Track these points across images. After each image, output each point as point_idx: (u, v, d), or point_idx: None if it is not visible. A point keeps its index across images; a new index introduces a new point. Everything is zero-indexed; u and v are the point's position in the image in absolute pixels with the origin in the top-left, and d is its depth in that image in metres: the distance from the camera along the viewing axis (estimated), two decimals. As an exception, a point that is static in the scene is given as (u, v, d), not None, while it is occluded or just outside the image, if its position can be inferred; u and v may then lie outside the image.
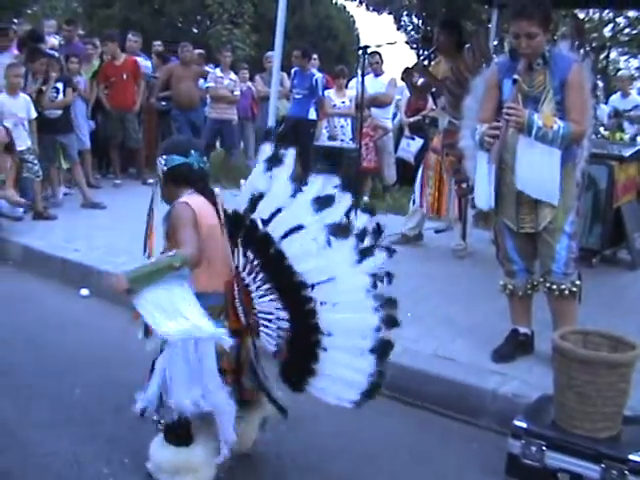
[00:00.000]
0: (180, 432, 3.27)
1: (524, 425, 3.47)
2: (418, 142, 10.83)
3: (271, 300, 3.32)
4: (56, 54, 9.55)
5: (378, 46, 9.00)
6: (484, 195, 4.45)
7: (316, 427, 3.99)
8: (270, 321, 3.33)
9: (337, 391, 3.34)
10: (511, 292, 4.65)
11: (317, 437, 3.94)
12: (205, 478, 3.32)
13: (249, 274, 3.35)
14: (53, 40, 10.98)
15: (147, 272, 3.02)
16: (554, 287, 4.41)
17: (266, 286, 3.32)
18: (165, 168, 3.33)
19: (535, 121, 4.14)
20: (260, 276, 3.32)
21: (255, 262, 3.33)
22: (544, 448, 3.40)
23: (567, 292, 4.39)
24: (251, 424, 3.57)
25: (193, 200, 3.28)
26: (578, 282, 4.43)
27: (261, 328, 3.34)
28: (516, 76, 4.20)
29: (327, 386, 3.33)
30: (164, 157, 3.34)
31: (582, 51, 4.45)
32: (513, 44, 4.31)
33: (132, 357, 3.90)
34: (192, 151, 3.36)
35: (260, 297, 3.33)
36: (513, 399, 4.10)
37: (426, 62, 7.38)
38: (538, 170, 4.24)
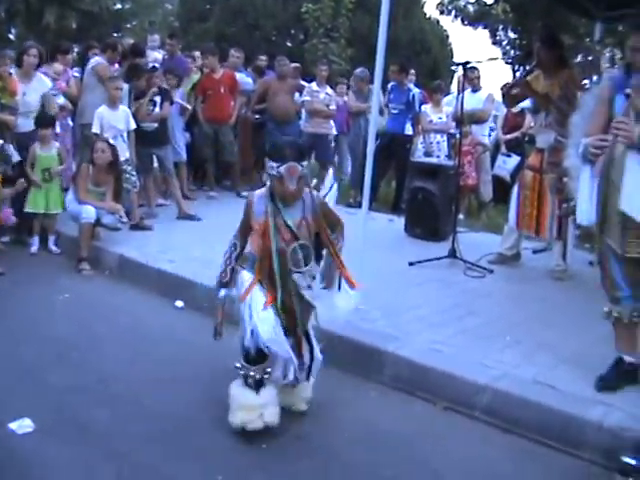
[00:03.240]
0: (256, 377, 3.95)
1: (633, 462, 3.32)
2: (515, 159, 10.68)
3: None
4: (157, 67, 9.68)
5: (478, 62, 8.86)
6: (585, 210, 4.29)
7: (405, 450, 3.90)
8: None
9: None
10: (616, 319, 4.45)
11: (405, 462, 3.84)
12: (272, 415, 3.96)
13: None
14: (157, 54, 11.19)
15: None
16: None
17: None
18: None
19: None
20: None
21: None
22: (654, 486, 3.24)
23: None
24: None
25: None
26: None
27: None
28: (628, 90, 4.04)
29: None
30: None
31: None
32: (629, 58, 4.15)
33: (231, 371, 3.92)
34: None
35: None
36: (619, 432, 3.91)
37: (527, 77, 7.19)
38: None
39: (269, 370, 4.00)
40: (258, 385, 3.94)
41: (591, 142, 4.15)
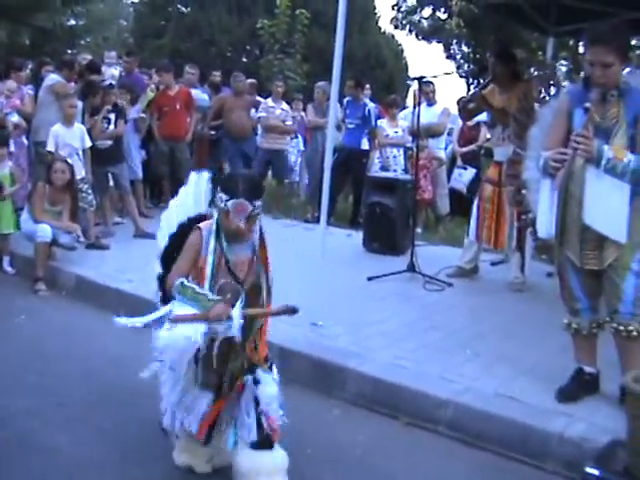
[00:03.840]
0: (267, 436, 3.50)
1: (596, 472, 3.33)
2: (470, 172, 10.78)
3: None
4: (113, 84, 9.62)
5: (434, 76, 8.92)
6: (545, 223, 4.31)
7: (369, 466, 3.88)
8: None
9: None
10: (575, 331, 4.48)
11: (368, 477, 3.83)
12: (223, 460, 3.68)
13: None
14: (113, 71, 11.12)
15: None
16: (621, 328, 4.22)
17: None
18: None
19: (605, 152, 3.99)
20: None
21: None
22: (617, 497, 3.25)
23: (635, 333, 4.19)
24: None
25: None
26: None
27: None
28: (588, 104, 4.06)
29: None
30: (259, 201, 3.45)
31: None
32: (587, 72, 4.16)
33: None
34: None
35: None
36: (581, 442, 3.92)
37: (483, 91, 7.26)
38: (606, 204, 4.08)
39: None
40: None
41: (551, 156, 4.18)
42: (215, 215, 3.50)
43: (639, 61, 12.91)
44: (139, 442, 4.04)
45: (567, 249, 4.32)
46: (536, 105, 4.82)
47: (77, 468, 3.75)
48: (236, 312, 3.27)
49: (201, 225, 3.56)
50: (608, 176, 4.03)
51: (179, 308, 3.38)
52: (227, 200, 3.36)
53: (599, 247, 4.21)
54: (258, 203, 3.41)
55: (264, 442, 3.46)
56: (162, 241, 3.88)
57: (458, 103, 7.86)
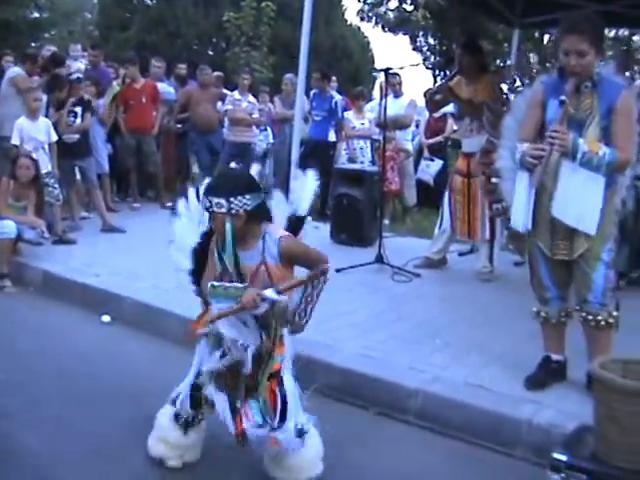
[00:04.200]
0: (189, 419, 3.66)
1: (564, 458, 3.34)
2: (437, 163, 10.83)
3: None
4: (81, 77, 9.53)
5: (400, 68, 8.95)
6: (521, 217, 4.31)
7: (339, 457, 3.88)
8: None
9: None
10: (544, 319, 4.53)
11: (340, 468, 3.81)
12: (193, 456, 3.73)
13: None
14: (79, 64, 11.01)
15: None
16: (590, 317, 4.27)
17: None
18: (248, 208, 3.31)
19: (580, 146, 4.00)
20: None
21: None
22: (585, 482, 3.28)
23: (603, 323, 4.25)
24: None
25: (281, 229, 3.54)
26: (615, 313, 4.28)
27: None
28: (563, 97, 4.06)
29: None
30: (245, 197, 3.30)
31: (628, 76, 4.32)
32: (562, 62, 4.16)
33: (162, 387, 3.83)
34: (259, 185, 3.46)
35: None
36: (549, 429, 3.97)
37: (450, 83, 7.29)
38: (579, 197, 4.10)
39: (202, 413, 3.68)
40: (187, 426, 3.68)
41: (528, 151, 4.17)
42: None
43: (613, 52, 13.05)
44: (110, 439, 4.00)
45: (538, 239, 4.35)
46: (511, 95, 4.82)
47: (45, 467, 3.70)
48: (268, 291, 3.26)
49: None
50: (583, 169, 4.04)
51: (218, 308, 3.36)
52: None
53: (569, 238, 4.24)
54: (215, 200, 3.28)
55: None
56: (188, 237, 3.68)
57: (425, 95, 7.89)
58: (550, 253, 4.32)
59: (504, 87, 7.38)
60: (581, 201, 4.11)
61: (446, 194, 7.46)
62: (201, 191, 3.47)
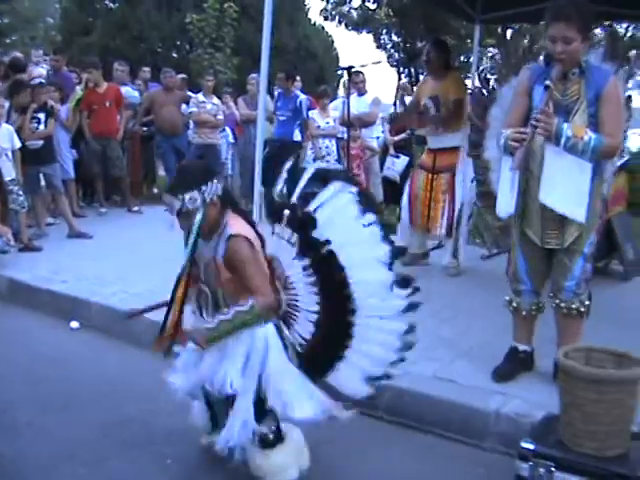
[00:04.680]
0: (276, 435, 3.54)
1: (531, 447, 3.39)
2: (403, 160, 10.86)
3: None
4: (44, 82, 9.47)
5: (363, 66, 8.98)
6: (504, 203, 4.32)
7: (315, 457, 3.89)
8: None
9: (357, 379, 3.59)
10: (515, 309, 4.57)
11: (310, 467, 3.81)
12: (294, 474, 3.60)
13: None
14: (41, 70, 10.94)
15: (224, 332, 3.31)
16: (563, 305, 4.33)
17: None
18: (214, 196, 3.32)
19: (564, 130, 3.98)
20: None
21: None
22: (553, 469, 3.32)
23: (575, 312, 4.32)
24: None
25: (243, 228, 3.39)
26: (587, 302, 4.34)
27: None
28: (548, 82, 4.05)
29: (351, 373, 3.56)
30: (206, 185, 3.31)
31: (615, 62, 4.34)
32: (549, 48, 4.14)
33: (133, 391, 3.83)
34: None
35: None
36: (517, 419, 4.02)
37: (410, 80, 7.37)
38: (566, 183, 4.09)
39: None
40: (277, 440, 3.58)
41: (510, 135, 4.15)
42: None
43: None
44: (84, 444, 4.00)
45: (528, 228, 4.35)
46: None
47: (19, 473, 3.71)
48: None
49: None
50: (569, 154, 4.02)
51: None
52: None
53: (560, 226, 4.23)
54: (188, 196, 3.28)
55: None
56: None
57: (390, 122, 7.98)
58: (541, 242, 4.32)
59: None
60: (567, 187, 4.09)
61: (406, 188, 7.51)
62: (165, 196, 3.41)
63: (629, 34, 21.84)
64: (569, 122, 4.07)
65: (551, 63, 4.16)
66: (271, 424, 3.52)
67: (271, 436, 3.53)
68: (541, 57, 4.50)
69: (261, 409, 3.43)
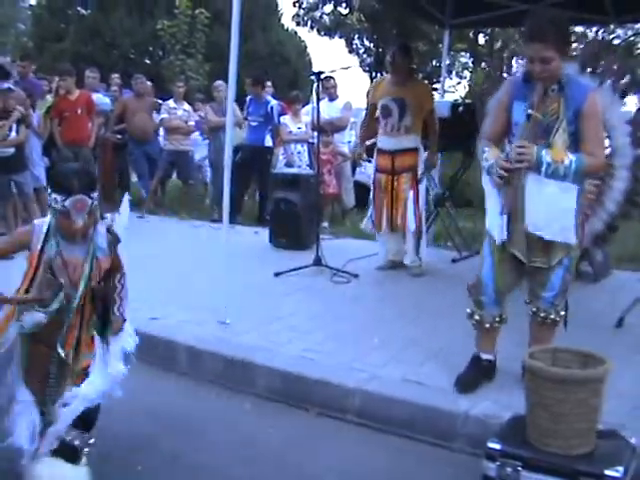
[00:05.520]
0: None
1: (498, 447, 3.42)
2: (374, 164, 10.87)
3: None
4: (13, 87, 9.40)
5: (332, 71, 9.04)
6: (497, 228, 4.21)
7: (280, 459, 3.91)
8: None
9: None
10: (478, 322, 4.49)
11: (281, 470, 3.83)
12: None
13: None
14: (8, 76, 10.86)
15: None
16: (540, 313, 4.34)
17: None
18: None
19: (544, 157, 3.92)
20: None
21: None
22: (520, 469, 3.34)
23: (549, 321, 4.34)
24: None
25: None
26: (563, 313, 4.35)
27: None
28: (530, 111, 3.98)
29: None
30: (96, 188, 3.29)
31: (598, 76, 4.28)
32: (528, 68, 4.05)
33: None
34: None
35: None
36: (485, 420, 4.03)
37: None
38: (551, 210, 4.05)
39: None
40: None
41: (498, 162, 4.08)
42: (49, 217, 3.31)
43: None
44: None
45: (513, 247, 4.22)
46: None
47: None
48: None
49: (35, 221, 3.41)
50: (552, 180, 3.98)
51: None
52: (64, 200, 3.16)
53: (547, 248, 4.17)
54: (95, 194, 3.24)
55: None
56: None
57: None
58: (526, 260, 4.22)
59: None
60: (553, 213, 4.05)
61: (371, 193, 7.61)
62: (54, 189, 3.25)
63: (599, 38, 22.01)
64: (550, 141, 4.02)
65: (529, 81, 4.07)
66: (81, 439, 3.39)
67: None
68: (518, 72, 4.49)
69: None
